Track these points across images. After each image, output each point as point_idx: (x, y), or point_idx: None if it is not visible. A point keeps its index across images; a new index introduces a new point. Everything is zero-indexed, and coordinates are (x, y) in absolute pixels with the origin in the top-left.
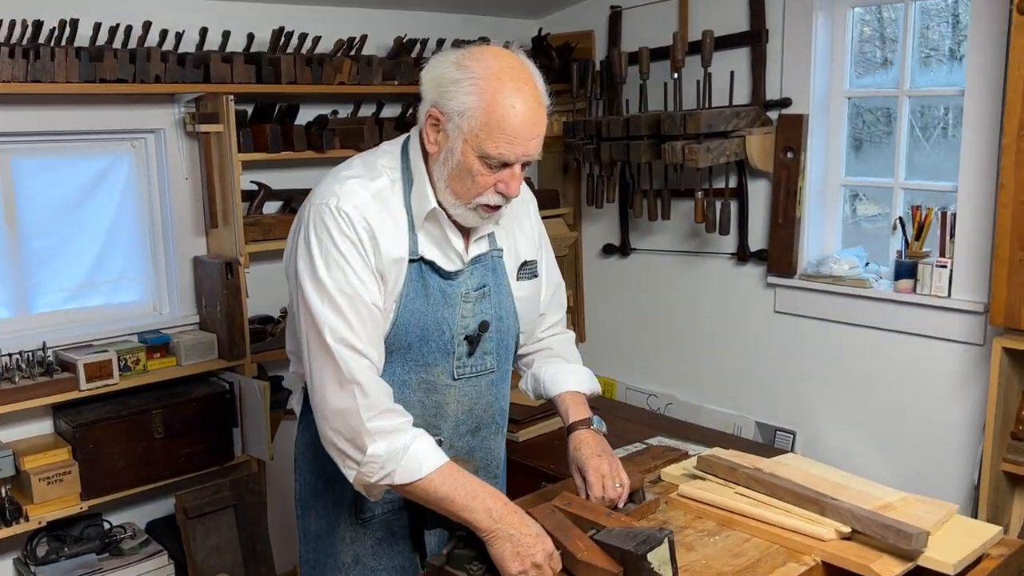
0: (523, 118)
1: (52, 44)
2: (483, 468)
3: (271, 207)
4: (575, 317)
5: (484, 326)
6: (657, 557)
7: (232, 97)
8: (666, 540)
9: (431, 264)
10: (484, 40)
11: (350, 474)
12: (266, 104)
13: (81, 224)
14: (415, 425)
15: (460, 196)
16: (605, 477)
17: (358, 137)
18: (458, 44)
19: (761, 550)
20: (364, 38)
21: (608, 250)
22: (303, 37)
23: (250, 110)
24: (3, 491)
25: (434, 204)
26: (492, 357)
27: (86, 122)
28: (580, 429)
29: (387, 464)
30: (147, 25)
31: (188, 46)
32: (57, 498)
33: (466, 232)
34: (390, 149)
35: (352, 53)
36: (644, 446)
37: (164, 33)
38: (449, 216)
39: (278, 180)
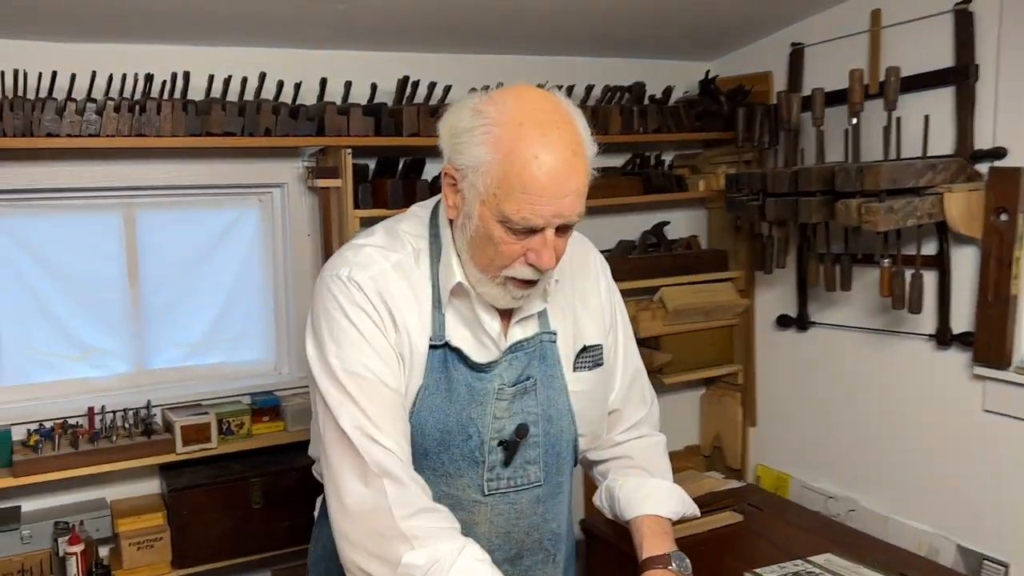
0: (550, 172)
1: (161, 97)
2: None
3: None
4: (745, 397)
5: (523, 431)
6: None
7: (349, 150)
8: None
9: (458, 352)
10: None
11: None
12: (390, 158)
13: (204, 279)
14: None
15: (484, 269)
16: None
17: None
18: (609, 91)
19: None
20: (499, 86)
21: (783, 322)
22: (432, 87)
23: (372, 164)
24: (98, 553)
25: (459, 279)
26: (537, 468)
27: (206, 176)
28: (653, 569)
29: (431, 574)
30: (263, 76)
31: (310, 98)
32: (147, 565)
33: (506, 313)
34: (419, 212)
35: None
36: (804, 567)
37: (280, 84)
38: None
39: None
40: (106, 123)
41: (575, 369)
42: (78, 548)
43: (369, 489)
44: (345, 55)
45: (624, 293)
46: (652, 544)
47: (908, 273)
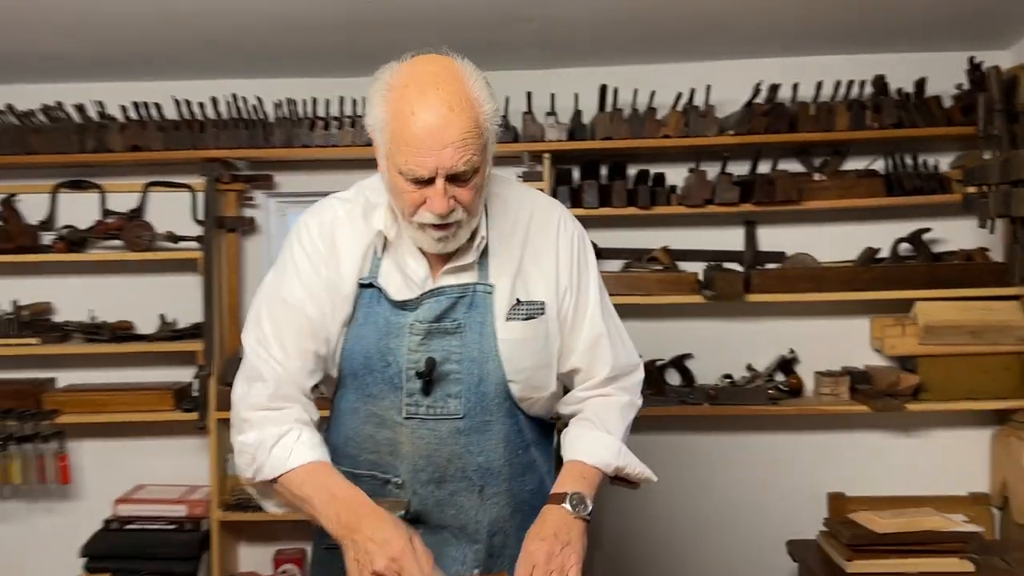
0: (425, 126)
1: None
2: (456, 529)
3: (604, 265)
4: None
5: (430, 363)
6: None
7: (548, 155)
8: None
9: (381, 291)
10: None
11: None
12: (592, 163)
13: None
14: (367, 460)
15: (402, 216)
16: (536, 568)
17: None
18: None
19: None
20: (708, 88)
21: None
22: (636, 93)
23: (577, 170)
24: None
25: (380, 227)
26: (458, 402)
27: None
28: (550, 504)
29: (258, 454)
30: None
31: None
32: None
33: (440, 259)
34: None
35: (683, 105)
36: None
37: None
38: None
39: (612, 239)
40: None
41: (508, 319)
42: None
43: (239, 387)
44: (540, 73)
45: (864, 305)
46: (561, 483)
47: None
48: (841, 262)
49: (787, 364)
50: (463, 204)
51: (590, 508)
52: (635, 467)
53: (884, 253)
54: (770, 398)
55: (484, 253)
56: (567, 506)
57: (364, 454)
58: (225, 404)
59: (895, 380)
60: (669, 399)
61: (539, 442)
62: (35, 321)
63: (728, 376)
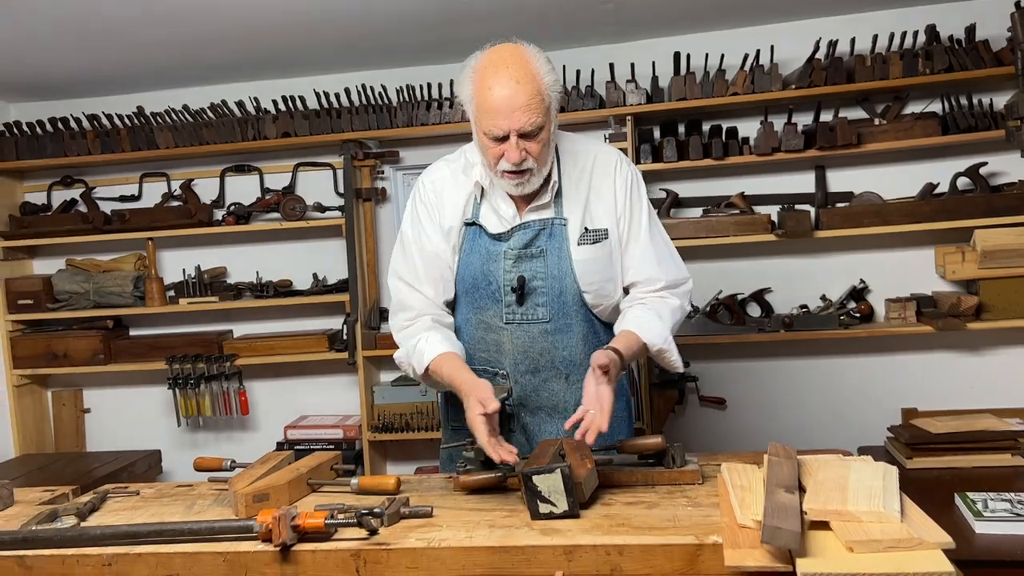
0: (499, 97)
1: None
2: (549, 408)
3: (684, 212)
4: None
5: (520, 280)
6: (545, 483)
7: (630, 117)
8: (558, 471)
9: (482, 227)
10: None
11: None
12: (670, 122)
13: None
14: (480, 358)
15: (489, 167)
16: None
17: (758, 143)
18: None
19: (695, 521)
20: (772, 48)
21: None
22: (707, 57)
23: (657, 129)
24: None
25: (478, 178)
26: (545, 309)
27: None
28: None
29: (411, 360)
30: (563, 69)
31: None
32: None
33: (525, 201)
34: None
35: (750, 65)
36: None
37: (577, 73)
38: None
39: (692, 189)
40: None
41: (579, 244)
42: None
43: (393, 317)
44: (619, 46)
45: (927, 236)
46: (615, 342)
47: None
48: (904, 198)
49: (858, 293)
50: (532, 155)
51: (627, 365)
52: (673, 354)
53: (944, 188)
54: (842, 323)
55: (558, 194)
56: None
57: (478, 353)
58: (369, 345)
59: (956, 302)
60: (749, 328)
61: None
62: (214, 283)
63: (804, 306)
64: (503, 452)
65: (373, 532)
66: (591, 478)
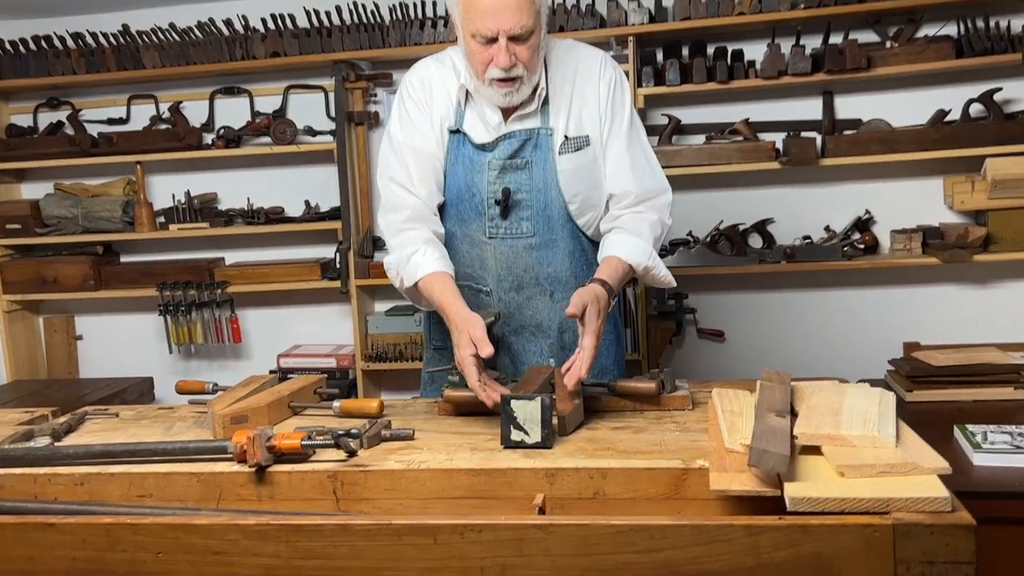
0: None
1: None
2: (533, 327)
3: (687, 139)
4: None
5: (505, 192)
6: (523, 410)
7: (632, 38)
8: (538, 401)
9: (467, 135)
10: None
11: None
12: (673, 43)
13: None
14: (464, 273)
15: (475, 75)
16: (588, 305)
17: (764, 66)
18: None
19: (682, 446)
20: None
21: None
22: None
23: (660, 51)
24: None
25: (463, 82)
26: (529, 223)
27: None
28: (593, 284)
29: (400, 269)
30: None
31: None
32: None
33: (509, 109)
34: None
35: None
36: None
37: None
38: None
39: (695, 115)
40: None
41: (561, 153)
42: None
43: (384, 218)
44: None
45: (936, 165)
46: (600, 271)
47: None
48: (914, 126)
49: (863, 224)
50: (522, 61)
51: (615, 293)
52: (660, 270)
53: (955, 115)
54: (845, 255)
55: (545, 103)
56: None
57: (462, 268)
58: (362, 273)
59: (964, 233)
60: (750, 259)
61: (596, 261)
62: (204, 209)
63: (807, 237)
64: (494, 394)
65: (351, 454)
66: (576, 413)
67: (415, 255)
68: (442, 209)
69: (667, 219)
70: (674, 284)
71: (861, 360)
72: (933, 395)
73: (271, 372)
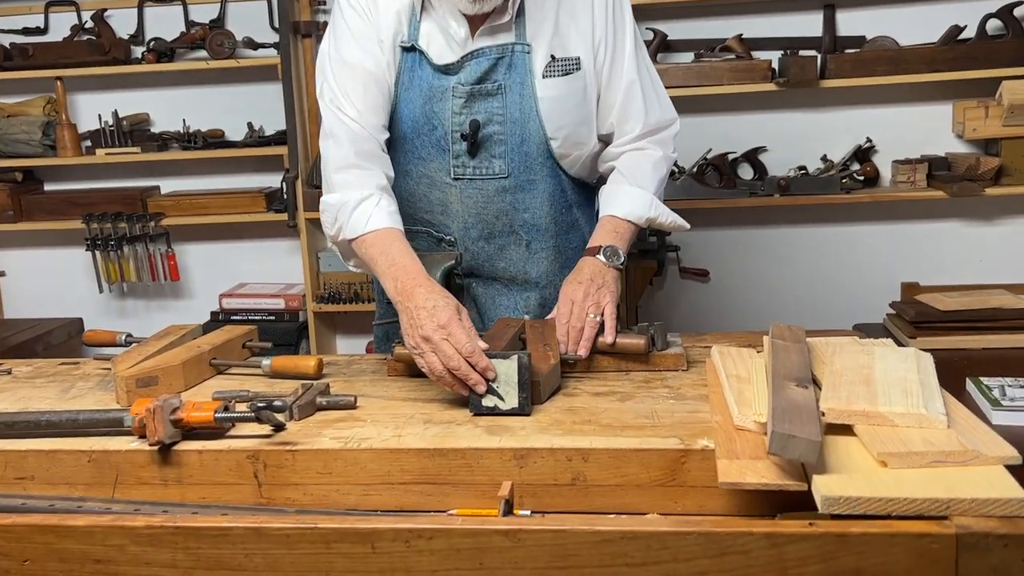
0: None
1: None
2: (506, 280)
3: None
4: None
5: (474, 125)
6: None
7: None
8: (515, 359)
9: (423, 54)
10: None
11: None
12: None
13: None
14: (422, 219)
15: None
16: (575, 304)
17: None
18: None
19: (678, 419)
20: None
21: None
22: None
23: None
24: None
25: None
26: (502, 162)
27: None
28: (586, 257)
29: (339, 215)
30: None
31: None
32: None
33: (477, 20)
34: None
35: None
36: None
37: None
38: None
39: (685, 30)
40: None
41: (544, 76)
42: None
43: (323, 144)
44: None
45: (947, 88)
46: (595, 238)
47: None
48: (924, 44)
49: (863, 154)
50: None
51: (623, 259)
52: (666, 217)
53: (970, 33)
54: (843, 187)
55: (520, 12)
56: (601, 257)
57: (419, 213)
58: (312, 205)
59: (975, 164)
60: (739, 191)
61: (582, 204)
62: (135, 132)
63: (802, 168)
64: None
65: (279, 428)
66: (553, 375)
67: (366, 202)
68: (391, 144)
69: (672, 152)
70: (686, 227)
71: (856, 302)
72: (940, 342)
73: (212, 314)
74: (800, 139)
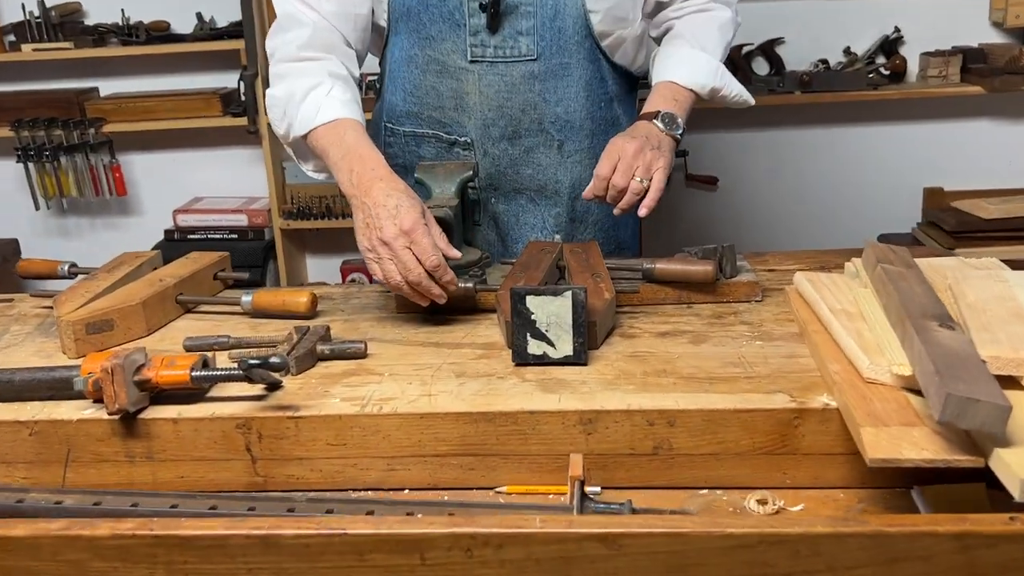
0: None
1: None
2: (533, 191)
3: None
4: None
5: None
6: (544, 310)
7: None
8: (568, 296)
9: None
10: None
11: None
12: None
13: None
14: (430, 117)
15: None
16: (622, 159)
17: None
18: None
19: (776, 367)
20: None
21: None
22: None
23: None
24: None
25: None
26: (531, 40)
27: None
28: (641, 121)
29: (288, 108)
30: None
31: None
32: None
33: None
34: None
35: None
36: None
37: None
38: None
39: None
40: None
41: None
42: None
43: (272, 38)
44: None
45: None
46: (651, 103)
47: None
48: None
49: (891, 45)
50: None
51: (682, 128)
52: (733, 89)
53: None
54: (870, 83)
55: None
56: (658, 122)
57: (426, 111)
58: None
59: (1017, 55)
60: (755, 88)
61: (623, 98)
62: (66, 24)
63: (823, 61)
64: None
65: (273, 387)
66: (608, 313)
67: (315, 91)
68: (387, 31)
69: (737, 17)
70: (751, 102)
71: (884, 207)
72: (983, 254)
73: (166, 232)
74: (821, 29)
